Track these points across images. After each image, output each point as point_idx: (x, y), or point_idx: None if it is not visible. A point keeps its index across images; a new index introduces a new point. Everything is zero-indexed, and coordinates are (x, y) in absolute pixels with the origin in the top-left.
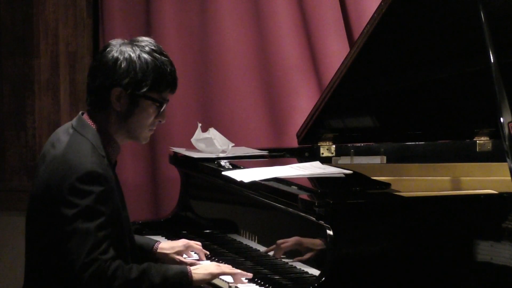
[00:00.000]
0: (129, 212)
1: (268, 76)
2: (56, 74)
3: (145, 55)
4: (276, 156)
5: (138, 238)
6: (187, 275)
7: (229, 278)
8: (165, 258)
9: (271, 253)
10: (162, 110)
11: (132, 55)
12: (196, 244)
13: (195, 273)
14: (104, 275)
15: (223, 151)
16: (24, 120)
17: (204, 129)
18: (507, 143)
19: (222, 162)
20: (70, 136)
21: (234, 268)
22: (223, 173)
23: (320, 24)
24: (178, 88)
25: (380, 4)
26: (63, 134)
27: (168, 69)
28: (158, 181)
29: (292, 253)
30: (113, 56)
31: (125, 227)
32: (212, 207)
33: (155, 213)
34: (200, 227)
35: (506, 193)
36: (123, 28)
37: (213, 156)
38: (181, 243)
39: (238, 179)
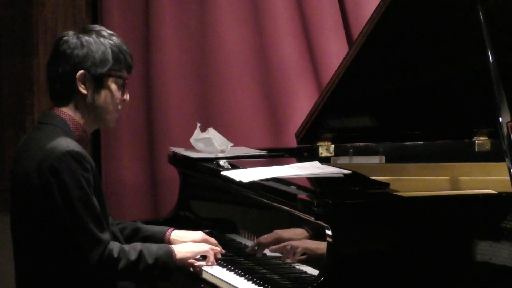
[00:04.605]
0: (128, 212)
1: (267, 76)
2: None
3: (102, 38)
4: (275, 156)
5: (150, 227)
6: (171, 255)
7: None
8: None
9: (269, 253)
10: (125, 87)
11: (89, 39)
12: (213, 240)
13: (178, 251)
14: (112, 258)
15: (222, 151)
16: (23, 120)
17: (203, 129)
18: (505, 143)
19: (221, 162)
20: (39, 130)
21: (212, 246)
22: (222, 173)
23: (319, 24)
24: (177, 87)
25: (379, 4)
26: (30, 133)
27: (125, 47)
28: (157, 181)
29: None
30: (70, 43)
31: (106, 210)
32: (211, 207)
33: (154, 213)
34: (199, 227)
35: (505, 193)
36: (122, 28)
37: (212, 156)
38: (199, 235)
39: (237, 179)
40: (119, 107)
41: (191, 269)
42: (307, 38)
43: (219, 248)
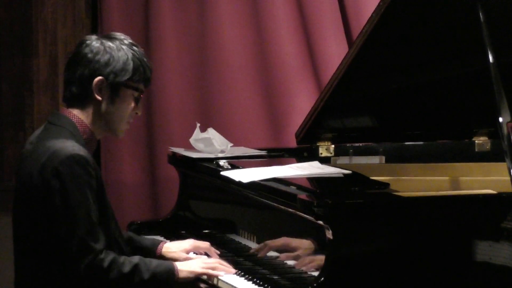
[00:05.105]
0: (127, 212)
1: (267, 76)
2: (55, 74)
3: (125, 47)
4: (275, 156)
5: (142, 239)
6: (173, 273)
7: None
8: (171, 258)
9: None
10: (139, 100)
11: (113, 45)
12: (204, 244)
13: (180, 270)
14: (100, 267)
15: (222, 151)
16: (23, 120)
17: (203, 129)
18: (505, 143)
19: (221, 162)
20: (47, 130)
21: (217, 267)
22: (222, 173)
23: (319, 24)
24: (177, 88)
25: (379, 4)
26: (39, 131)
27: (146, 60)
28: (157, 181)
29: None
30: (93, 48)
31: (109, 215)
32: (211, 207)
33: (154, 213)
34: (199, 227)
35: (505, 193)
36: (122, 28)
37: (212, 156)
38: (188, 243)
39: (237, 179)
40: (131, 119)
41: None
42: (307, 38)
43: (231, 269)
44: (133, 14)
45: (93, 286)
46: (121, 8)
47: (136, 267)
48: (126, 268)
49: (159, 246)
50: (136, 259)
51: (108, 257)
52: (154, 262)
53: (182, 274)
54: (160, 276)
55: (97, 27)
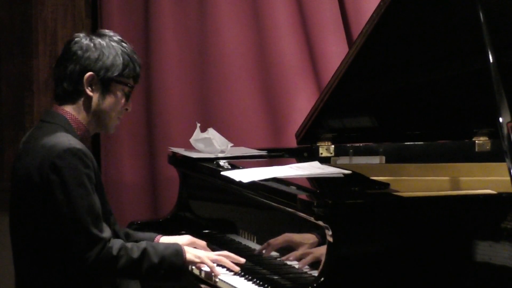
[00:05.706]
0: (127, 212)
1: (267, 76)
2: None
3: (114, 43)
4: (275, 156)
5: (138, 233)
6: (181, 254)
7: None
8: None
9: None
10: (129, 96)
11: (102, 42)
12: (201, 242)
13: (187, 251)
14: (110, 256)
15: (222, 151)
16: (23, 120)
17: (203, 129)
18: (506, 143)
19: (221, 162)
20: (40, 128)
21: (223, 261)
22: (222, 173)
23: (319, 24)
24: (177, 88)
25: (379, 4)
26: (33, 130)
27: (136, 57)
28: (157, 181)
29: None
30: (82, 45)
31: (107, 209)
32: (211, 207)
33: (154, 213)
34: (199, 227)
35: (505, 193)
36: (122, 28)
37: (212, 156)
38: (186, 238)
39: (237, 179)
40: (121, 115)
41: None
42: (307, 38)
43: (235, 268)
44: (133, 14)
45: (101, 277)
46: (121, 8)
47: (144, 251)
48: (135, 254)
49: (155, 239)
50: (143, 244)
51: (116, 244)
52: (161, 245)
53: (188, 256)
54: (169, 258)
55: (97, 27)
